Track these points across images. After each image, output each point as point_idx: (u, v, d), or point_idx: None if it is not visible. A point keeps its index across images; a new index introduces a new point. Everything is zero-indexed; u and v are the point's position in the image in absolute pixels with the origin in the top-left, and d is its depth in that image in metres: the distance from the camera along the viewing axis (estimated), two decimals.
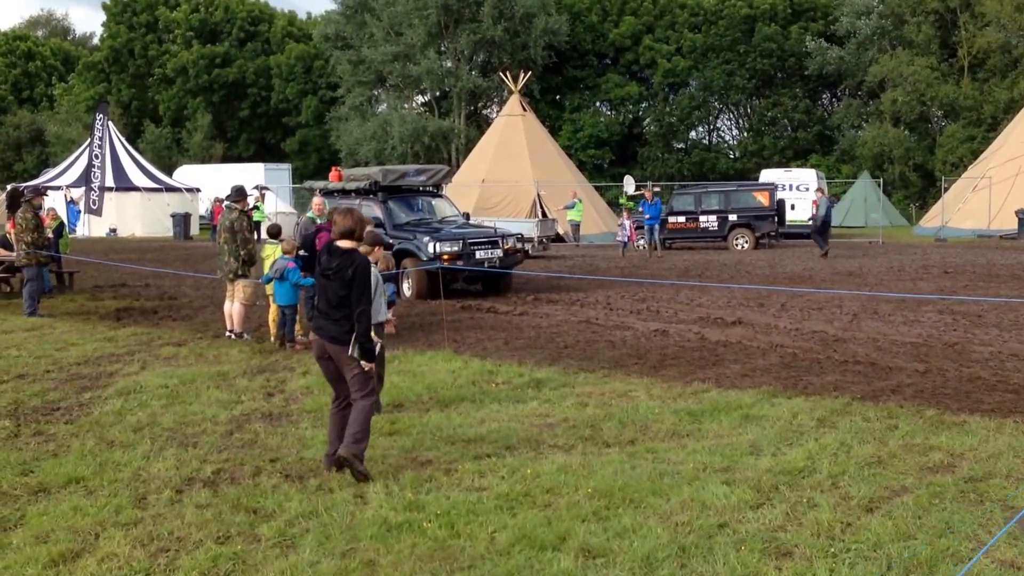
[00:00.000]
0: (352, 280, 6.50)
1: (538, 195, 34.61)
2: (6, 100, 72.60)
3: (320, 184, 19.72)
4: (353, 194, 18.00)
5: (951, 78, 52.54)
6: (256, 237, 17.45)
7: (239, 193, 12.87)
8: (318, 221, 12.91)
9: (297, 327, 12.14)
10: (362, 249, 7.80)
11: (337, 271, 6.56)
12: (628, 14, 60.88)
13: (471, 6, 56.38)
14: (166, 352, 11.44)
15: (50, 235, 17.49)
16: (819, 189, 29.62)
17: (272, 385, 9.62)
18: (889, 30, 53.80)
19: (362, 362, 6.50)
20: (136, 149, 49.97)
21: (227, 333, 12.53)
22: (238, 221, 12.43)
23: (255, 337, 12.44)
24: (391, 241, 16.37)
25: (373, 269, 8.28)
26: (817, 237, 27.23)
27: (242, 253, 12.34)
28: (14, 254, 16.05)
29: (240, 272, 12.33)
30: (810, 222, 28.38)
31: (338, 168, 19.50)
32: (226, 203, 13.24)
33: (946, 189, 37.72)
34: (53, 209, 22.11)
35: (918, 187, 51.77)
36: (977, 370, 10.00)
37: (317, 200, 13.59)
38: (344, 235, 6.73)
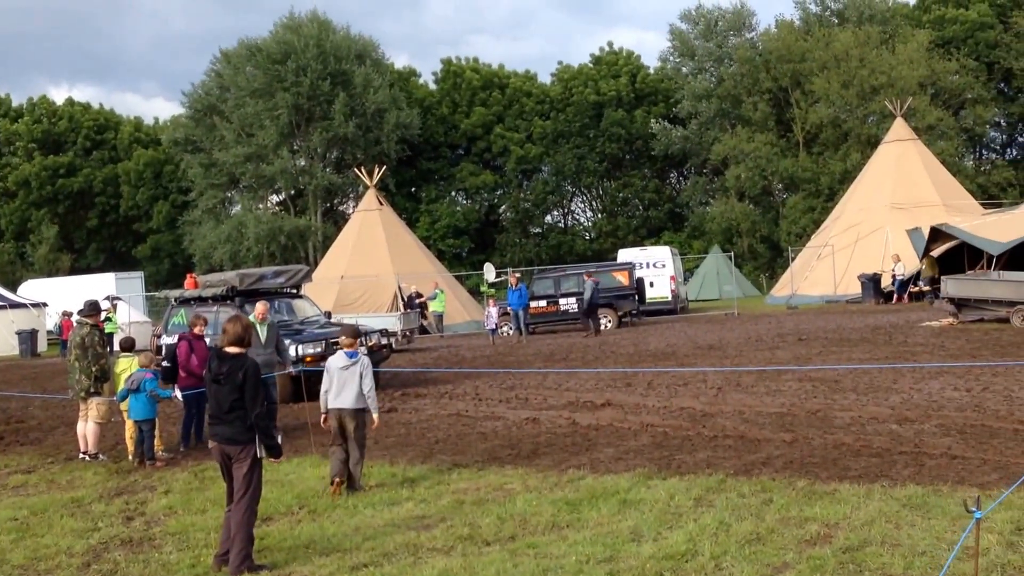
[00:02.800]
0: (243, 384, 6.76)
1: (399, 287, 34.45)
2: None
3: (176, 292, 19.20)
4: (210, 300, 17.48)
5: (789, 153, 55.27)
6: (109, 350, 16.73)
7: (92, 307, 12.33)
8: (259, 327, 13.02)
9: (157, 442, 11.60)
10: (345, 341, 9.16)
11: (228, 375, 6.82)
12: (478, 104, 62.11)
13: (322, 105, 56.51)
14: (14, 481, 10.74)
15: None
16: (586, 273, 30.20)
17: (132, 508, 9.11)
18: (728, 110, 56.50)
19: (271, 459, 6.85)
20: None
21: (81, 455, 11.87)
22: (89, 336, 11.88)
23: (111, 457, 11.83)
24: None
25: (333, 357, 9.38)
26: (585, 319, 28.30)
27: (94, 369, 11.76)
28: None
29: (93, 389, 11.73)
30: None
31: (193, 275, 18.98)
32: (76, 318, 12.65)
33: (793, 258, 39.29)
34: None
35: (767, 258, 53.87)
36: (841, 436, 10.25)
37: (260, 306, 13.42)
38: (234, 342, 6.97)
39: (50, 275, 54.94)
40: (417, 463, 10.29)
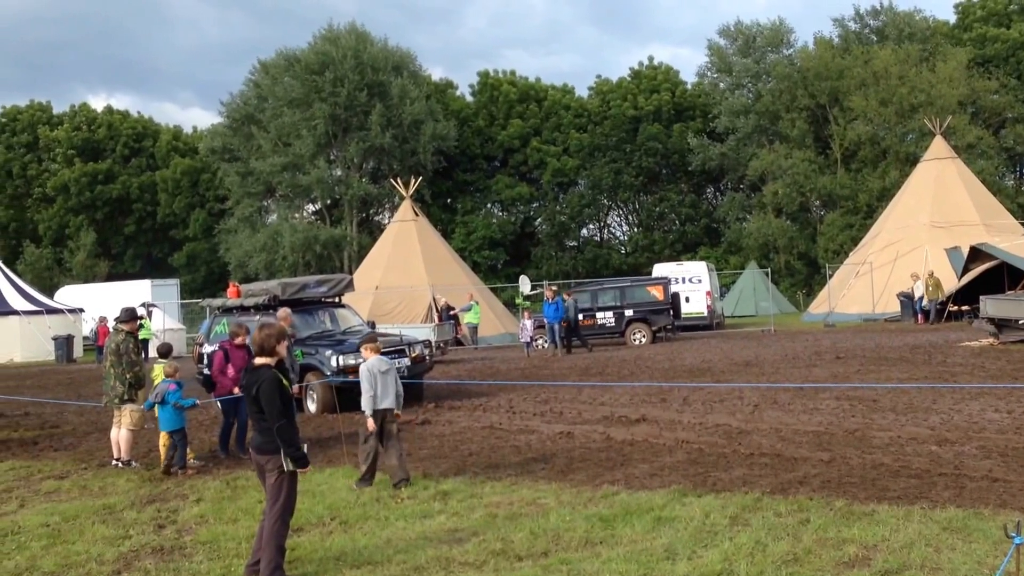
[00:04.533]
0: (257, 397, 6.72)
1: (433, 299, 34.47)
2: None
3: (218, 302, 19.27)
4: (252, 310, 17.52)
5: (827, 169, 54.92)
6: (144, 356, 16.87)
7: (128, 315, 12.38)
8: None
9: (189, 451, 11.61)
10: (373, 347, 9.98)
11: (247, 389, 6.86)
12: (515, 117, 62.21)
13: (359, 115, 56.86)
14: (47, 487, 10.75)
15: None
16: (568, 292, 30.16)
17: (163, 516, 9.07)
18: (766, 126, 56.22)
19: (298, 471, 6.76)
20: (15, 271, 48.30)
21: (113, 462, 11.89)
22: (124, 343, 11.91)
23: (144, 464, 11.84)
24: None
25: (373, 361, 9.77)
26: (572, 336, 28.44)
27: (128, 376, 11.79)
28: None
29: (127, 396, 11.76)
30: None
31: (235, 284, 19.04)
32: (113, 325, 12.70)
33: (831, 276, 38.93)
34: None
35: (804, 274, 53.45)
36: (879, 456, 10.05)
37: (282, 313, 13.42)
38: (258, 352, 7.00)
39: (87, 281, 55.60)
40: (450, 476, 10.20)
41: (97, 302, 41.87)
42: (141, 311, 39.44)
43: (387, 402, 9.85)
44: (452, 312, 32.75)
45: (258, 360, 6.94)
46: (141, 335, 34.11)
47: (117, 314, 12.45)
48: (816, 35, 59.34)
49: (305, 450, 6.87)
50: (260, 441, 6.83)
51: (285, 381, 6.87)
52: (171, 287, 48.70)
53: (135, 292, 43.67)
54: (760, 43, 58.00)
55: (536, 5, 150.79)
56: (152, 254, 68.10)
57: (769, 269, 45.36)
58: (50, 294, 46.80)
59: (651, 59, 64.89)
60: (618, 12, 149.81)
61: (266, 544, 6.61)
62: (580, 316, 30.68)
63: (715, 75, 60.62)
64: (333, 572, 6.96)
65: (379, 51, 58.46)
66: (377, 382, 9.82)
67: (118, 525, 8.76)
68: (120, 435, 11.85)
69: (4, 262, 46.23)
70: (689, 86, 63.27)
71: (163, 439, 11.55)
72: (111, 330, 12.68)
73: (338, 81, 56.04)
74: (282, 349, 7.02)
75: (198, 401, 11.16)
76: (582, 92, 66.62)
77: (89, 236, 63.39)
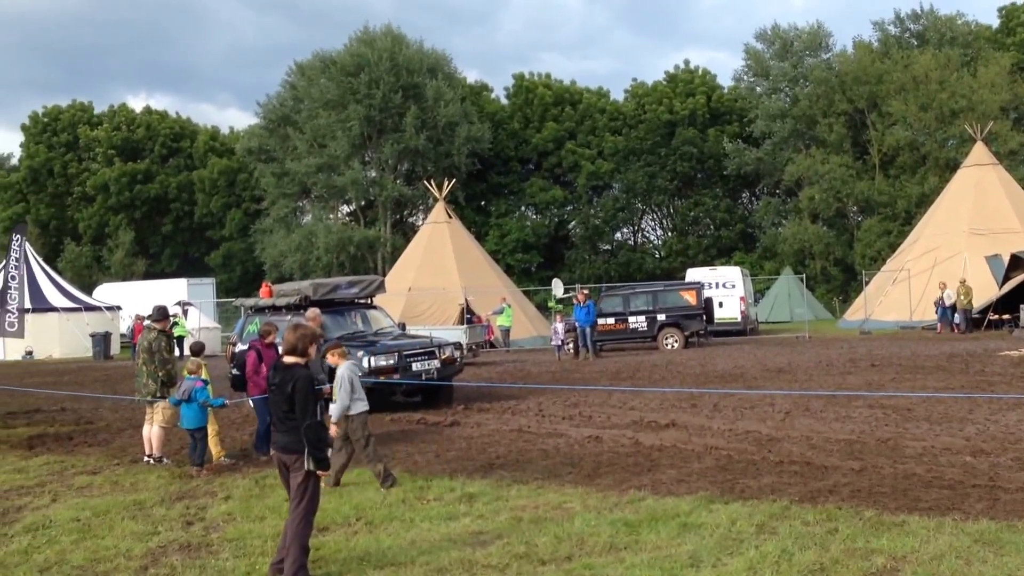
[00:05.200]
0: (292, 395, 6.73)
1: (466, 301, 34.51)
2: None
3: (251, 301, 19.39)
4: (284, 310, 17.61)
5: (865, 175, 54.36)
6: (179, 354, 17.04)
7: (161, 313, 12.50)
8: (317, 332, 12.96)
9: (217, 449, 11.70)
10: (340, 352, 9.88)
11: (279, 386, 6.84)
12: (549, 120, 62.16)
13: (393, 117, 57.07)
14: (79, 481, 10.86)
15: None
16: (583, 292, 30.12)
17: (192, 513, 9.14)
18: (803, 131, 55.77)
19: (318, 472, 6.72)
20: (55, 269, 48.91)
21: (145, 458, 12.00)
22: (156, 341, 12.03)
23: (175, 461, 11.94)
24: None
25: (348, 366, 9.90)
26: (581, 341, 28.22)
27: (161, 374, 11.91)
28: None
29: (159, 394, 11.87)
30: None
31: (268, 283, 19.16)
32: (146, 323, 12.83)
33: (867, 282, 38.56)
34: None
35: (840, 281, 52.96)
36: (912, 466, 9.92)
37: (312, 313, 13.53)
38: (288, 351, 6.99)
39: (125, 279, 56.25)
40: (477, 478, 10.19)
41: (134, 300, 42.31)
42: (176, 310, 40.07)
43: (362, 406, 10.07)
44: (475, 318, 32.74)
45: (289, 359, 6.96)
46: (176, 333, 34.58)
47: (150, 312, 12.58)
48: (855, 39, 58.73)
49: (330, 454, 6.95)
50: (286, 441, 6.83)
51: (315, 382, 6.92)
52: (207, 286, 49.21)
53: (172, 291, 44.20)
54: (798, 47, 57.51)
55: (572, 9, 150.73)
56: (189, 253, 68.74)
57: (804, 275, 45.02)
58: (89, 292, 47.40)
59: (687, 63, 64.62)
60: (655, 16, 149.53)
61: (290, 544, 6.64)
62: (612, 320, 30.70)
63: (751, 79, 60.17)
64: (356, 572, 6.98)
65: (414, 53, 58.63)
66: (356, 386, 10.03)
67: (147, 521, 8.85)
68: (152, 432, 11.97)
69: (45, 260, 46.91)
70: (725, 90, 62.86)
71: (211, 432, 11.65)
72: (145, 328, 12.79)
73: (373, 83, 56.28)
74: (312, 352, 7.07)
75: (227, 400, 11.22)
76: (617, 95, 66.52)
77: (128, 235, 64.15)
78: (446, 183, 41.16)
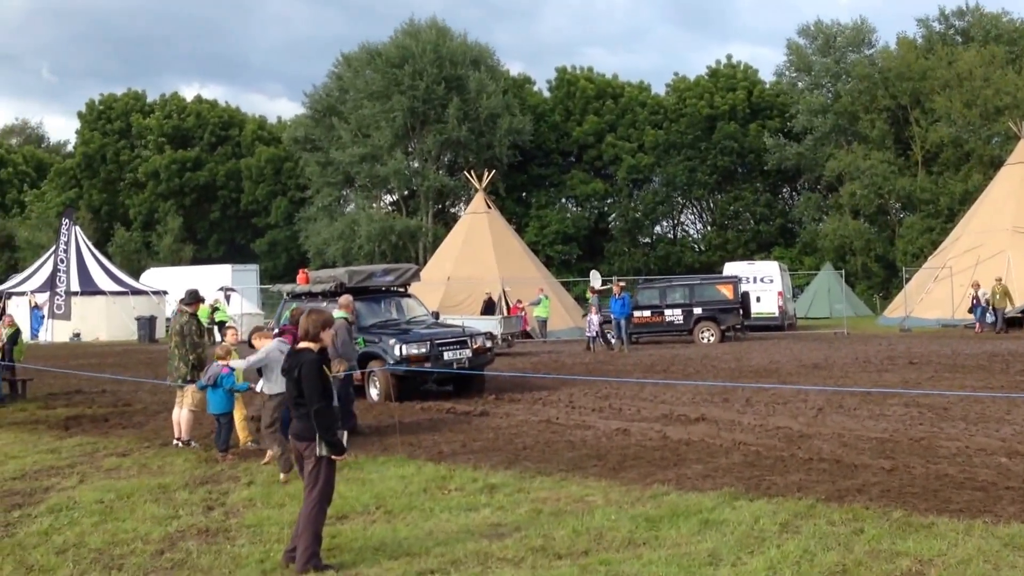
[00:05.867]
0: (299, 380, 6.69)
1: (503, 291, 34.52)
2: None
3: (288, 287, 19.59)
4: (320, 296, 17.69)
5: (907, 171, 53.61)
6: (213, 339, 17.19)
7: (192, 296, 12.60)
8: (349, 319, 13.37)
9: (245, 434, 11.75)
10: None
11: (288, 372, 6.83)
12: (591, 113, 61.98)
13: (436, 108, 57.22)
14: (108, 463, 10.97)
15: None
16: (591, 290, 29.99)
17: (213, 498, 9.17)
18: (844, 126, 55.09)
19: (333, 456, 6.66)
20: (106, 253, 49.63)
21: (175, 441, 12.11)
22: (188, 324, 12.12)
23: (203, 445, 12.01)
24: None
25: (274, 344, 10.02)
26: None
27: (191, 357, 12.00)
28: None
29: (189, 377, 11.95)
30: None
31: (305, 270, 19.29)
32: (179, 306, 12.94)
33: (908, 279, 38.04)
34: (10, 316, 21.79)
35: (880, 277, 52.28)
36: (944, 467, 9.71)
37: (344, 300, 13.60)
38: (302, 336, 6.95)
39: (173, 264, 57.02)
40: (500, 469, 10.13)
41: (180, 285, 42.73)
42: (219, 295, 40.53)
43: (282, 386, 9.86)
44: (493, 305, 32.78)
45: (301, 344, 6.91)
46: (217, 317, 35.02)
47: (182, 296, 12.68)
48: (899, 35, 57.92)
49: (344, 440, 6.81)
50: (299, 428, 6.79)
51: (326, 368, 6.84)
52: (251, 272, 49.77)
53: (216, 276, 44.77)
54: (840, 43, 56.72)
55: (617, 3, 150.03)
56: (235, 240, 69.50)
57: (844, 271, 44.45)
58: (137, 276, 48.09)
59: (729, 58, 64.07)
60: (699, 11, 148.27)
61: (303, 531, 6.61)
62: (649, 313, 30.61)
63: (793, 74, 59.47)
64: (370, 561, 6.94)
65: (458, 46, 58.77)
66: (272, 365, 10.05)
67: (169, 505, 8.89)
68: (181, 415, 12.07)
69: (96, 244, 47.69)
70: (767, 85, 62.25)
71: (238, 417, 11.72)
72: (176, 312, 12.87)
73: (417, 74, 56.47)
74: (327, 336, 6.99)
75: (252, 385, 11.25)
76: (659, 89, 66.15)
77: (176, 221, 65.15)
78: (486, 174, 41.18)
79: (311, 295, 18.04)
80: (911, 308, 35.57)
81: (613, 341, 28.63)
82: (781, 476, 9.46)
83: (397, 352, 16.20)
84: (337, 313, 13.73)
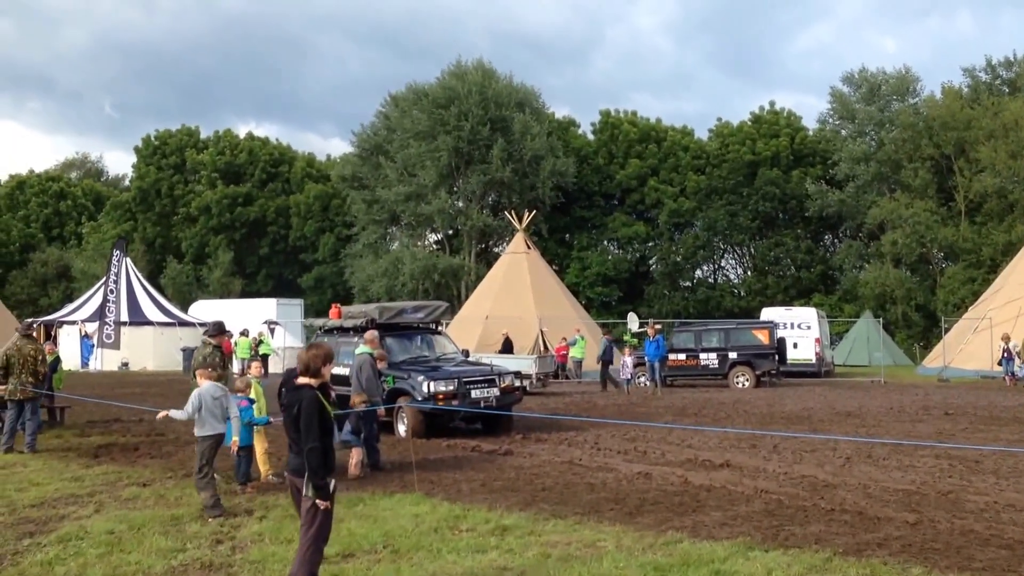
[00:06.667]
0: (297, 416, 6.49)
1: (540, 331, 34.50)
2: (36, 238, 74.66)
3: (320, 322, 19.76)
4: (351, 331, 17.81)
5: (950, 221, 52.97)
6: (264, 372, 17.39)
7: (216, 328, 12.72)
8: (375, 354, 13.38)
9: (266, 467, 11.79)
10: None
11: (287, 408, 6.62)
12: (633, 157, 62.11)
13: (481, 149, 57.63)
14: (128, 493, 11.02)
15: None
16: (606, 332, 30.57)
17: (224, 531, 9.17)
18: (887, 174, 54.65)
19: (316, 500, 6.41)
20: (158, 285, 50.38)
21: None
22: (211, 356, 12.22)
23: (224, 477, 12.02)
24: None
25: (207, 387, 10.13)
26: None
27: None
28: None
29: None
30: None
31: (338, 305, 19.49)
32: (202, 337, 13.06)
33: (947, 330, 37.51)
34: (50, 344, 22.17)
35: (921, 327, 51.52)
36: (971, 522, 9.47)
37: (370, 335, 13.64)
38: (302, 371, 6.72)
39: (222, 297, 57.79)
40: (515, 510, 10.04)
41: (226, 317, 43.25)
42: (264, 328, 40.89)
43: (216, 428, 10.21)
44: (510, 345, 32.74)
45: (301, 379, 6.69)
46: (261, 350, 35.36)
47: (206, 327, 12.79)
48: (944, 84, 57.33)
49: (331, 485, 6.56)
50: (297, 463, 6.61)
51: (327, 404, 6.65)
52: (295, 306, 50.23)
53: (261, 310, 45.30)
54: (885, 91, 56.27)
55: (665, 50, 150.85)
56: (283, 275, 70.25)
57: (882, 319, 43.87)
58: (187, 308, 48.77)
59: (772, 104, 63.97)
60: (745, 59, 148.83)
61: (298, 570, 6.49)
62: (684, 356, 30.47)
63: (836, 122, 59.08)
64: None
65: (503, 87, 59.25)
66: (204, 408, 10.13)
67: (178, 537, 8.90)
68: None
69: (149, 276, 48.54)
70: (810, 132, 61.97)
71: (259, 450, 11.76)
72: (200, 343, 12.98)
73: (463, 115, 56.95)
74: (327, 372, 6.79)
75: (271, 419, 11.29)
76: (702, 134, 66.15)
77: (226, 255, 66.11)
78: (526, 214, 41.34)
79: (343, 330, 18.18)
80: (950, 358, 35.01)
81: (647, 383, 28.52)
82: (800, 526, 9.28)
83: (425, 389, 16.23)
84: (361, 348, 13.81)
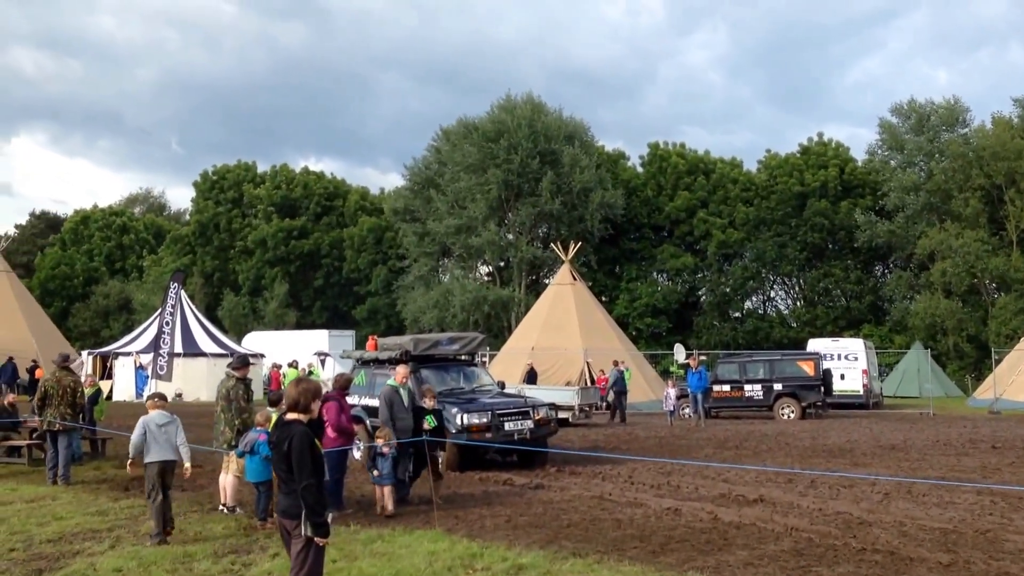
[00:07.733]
0: (288, 454, 6.28)
1: (586, 363, 34.29)
2: (99, 271, 76.20)
3: (357, 354, 19.78)
4: (387, 364, 17.77)
5: (1000, 251, 52.00)
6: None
7: (241, 361, 12.75)
8: (401, 391, 13.41)
9: None
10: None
11: (277, 445, 6.42)
12: (682, 189, 61.94)
13: (530, 182, 57.86)
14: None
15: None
16: (614, 361, 30.52)
17: (235, 569, 9.05)
18: (936, 204, 53.84)
19: (316, 539, 6.21)
20: (215, 317, 50.97)
21: (220, 507, 12.16)
22: (235, 389, 12.24)
23: (247, 512, 11.98)
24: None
25: (153, 415, 10.37)
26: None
27: (237, 422, 12.09)
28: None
29: (234, 442, 11.99)
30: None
31: (374, 337, 19.50)
32: (226, 370, 13.06)
33: (998, 361, 36.65)
34: (91, 376, 22.46)
35: (973, 358, 50.46)
36: (1007, 563, 9.08)
37: (401, 369, 13.70)
38: (290, 407, 6.54)
39: (278, 329, 58.42)
40: (535, 548, 9.83)
41: (279, 348, 43.79)
42: (315, 359, 41.13)
43: (161, 455, 10.45)
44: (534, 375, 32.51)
45: (289, 415, 6.49)
46: None
47: (231, 360, 12.81)
48: (994, 115, 56.35)
49: (329, 519, 6.42)
50: (287, 504, 6.36)
51: (317, 441, 6.45)
52: (347, 338, 50.69)
53: (313, 341, 45.63)
54: (934, 122, 55.56)
55: (716, 84, 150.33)
56: (337, 307, 70.97)
57: (931, 350, 42.99)
58: (240, 340, 49.33)
59: (820, 135, 63.55)
60: (797, 92, 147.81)
61: None
62: (728, 387, 30.13)
63: (885, 152, 58.37)
64: None
65: (553, 120, 59.51)
66: (149, 435, 10.40)
67: (187, 575, 8.82)
68: (227, 480, 12.11)
69: (206, 308, 49.28)
70: (859, 163, 61.36)
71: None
72: (224, 376, 12.95)
73: (512, 148, 57.25)
74: (315, 407, 6.60)
75: None
76: (750, 166, 65.83)
77: (282, 287, 67.02)
78: (572, 246, 41.27)
79: (379, 362, 18.18)
80: (1001, 390, 34.17)
81: (691, 414, 28.20)
82: (829, 567, 8.99)
83: (459, 421, 16.13)
84: (389, 381, 13.79)
